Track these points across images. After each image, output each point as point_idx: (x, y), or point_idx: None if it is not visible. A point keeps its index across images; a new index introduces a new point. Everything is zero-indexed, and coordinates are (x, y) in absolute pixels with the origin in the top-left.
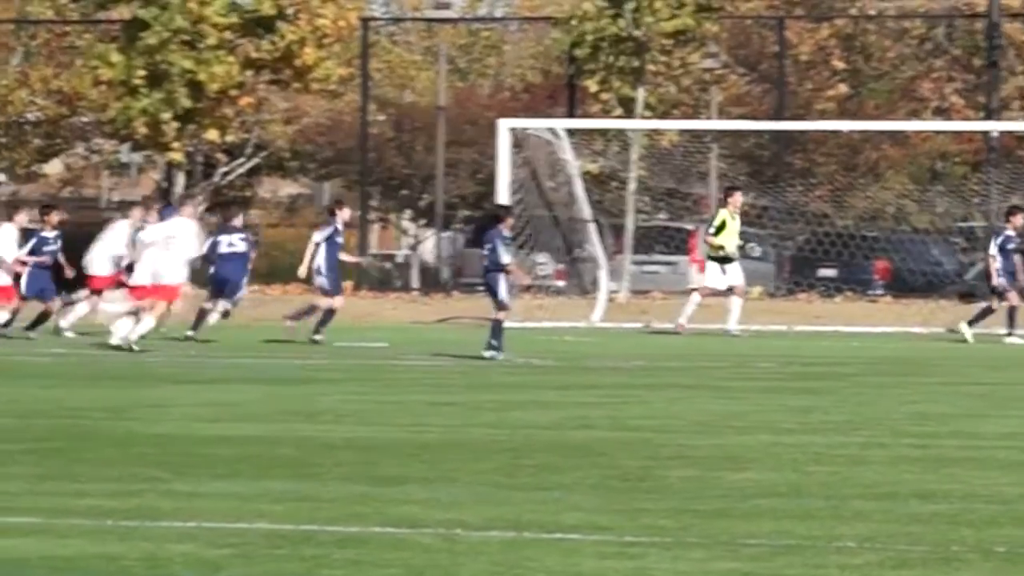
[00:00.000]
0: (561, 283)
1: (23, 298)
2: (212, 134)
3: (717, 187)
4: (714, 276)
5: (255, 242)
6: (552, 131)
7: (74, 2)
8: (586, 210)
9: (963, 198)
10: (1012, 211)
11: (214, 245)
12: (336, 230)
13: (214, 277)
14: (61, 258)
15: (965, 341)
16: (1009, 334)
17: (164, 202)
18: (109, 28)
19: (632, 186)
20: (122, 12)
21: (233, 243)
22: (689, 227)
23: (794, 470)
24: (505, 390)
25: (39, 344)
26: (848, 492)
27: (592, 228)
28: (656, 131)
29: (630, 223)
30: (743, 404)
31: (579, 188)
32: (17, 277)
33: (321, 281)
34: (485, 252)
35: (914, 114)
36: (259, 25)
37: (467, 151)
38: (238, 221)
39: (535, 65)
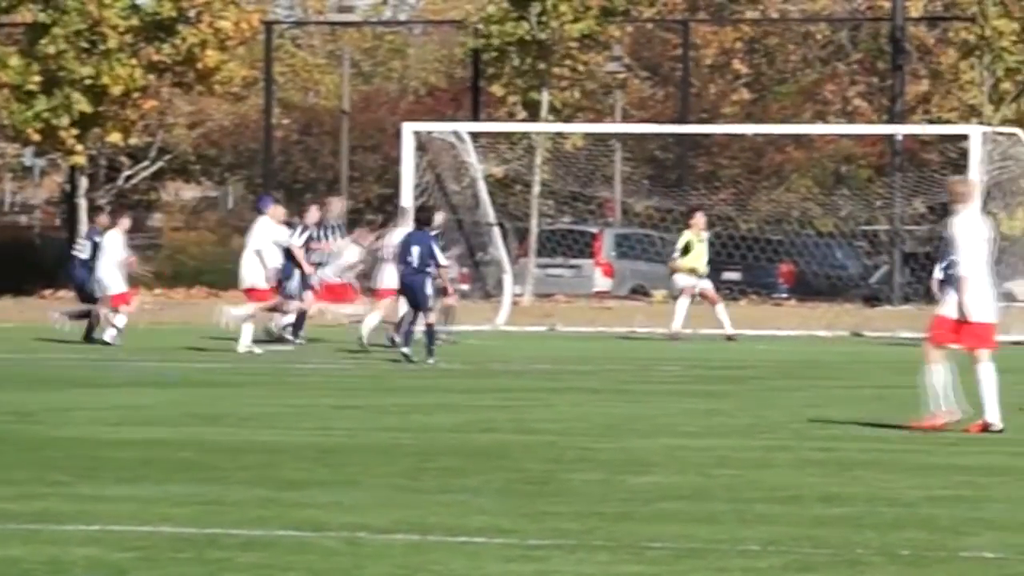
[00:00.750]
0: (465, 287)
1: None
2: (115, 137)
3: (621, 191)
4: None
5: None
6: (456, 134)
7: None
8: (490, 213)
9: (867, 201)
10: None
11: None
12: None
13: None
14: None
15: None
16: None
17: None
18: (12, 31)
19: (536, 189)
20: (24, 16)
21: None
22: (593, 230)
23: (698, 473)
24: (410, 393)
25: None
26: (752, 495)
27: (496, 231)
28: (560, 134)
29: (534, 226)
30: (647, 407)
31: (483, 191)
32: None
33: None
34: (410, 257)
35: (818, 117)
36: (160, 28)
37: (372, 155)
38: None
39: (439, 69)
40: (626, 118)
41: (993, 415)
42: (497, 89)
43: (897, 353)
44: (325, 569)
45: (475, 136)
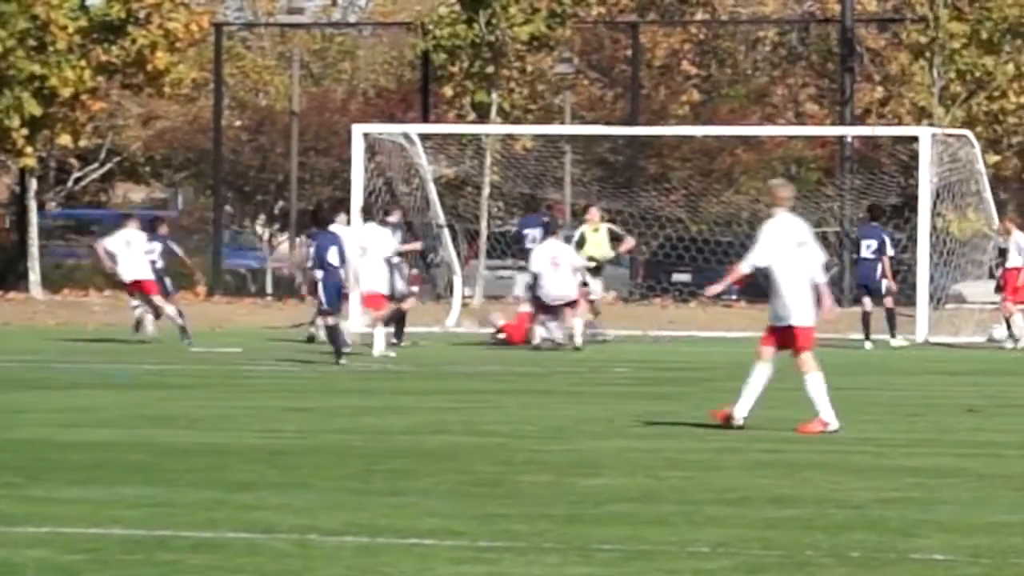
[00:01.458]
0: (415, 288)
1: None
2: (65, 139)
3: (571, 192)
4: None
5: None
6: (406, 136)
7: None
8: (440, 215)
9: (817, 203)
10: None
11: None
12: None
13: None
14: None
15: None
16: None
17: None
18: None
19: (486, 191)
20: None
21: None
22: None
23: (648, 475)
24: (359, 395)
25: None
26: (702, 497)
27: (446, 233)
28: (510, 136)
29: (484, 228)
30: (597, 409)
31: (433, 193)
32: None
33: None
34: (329, 258)
35: (768, 120)
36: (109, 30)
37: (322, 156)
38: None
39: (389, 71)
40: (576, 120)
41: (829, 415)
42: (447, 91)
43: (846, 355)
44: (275, 571)
45: (425, 138)
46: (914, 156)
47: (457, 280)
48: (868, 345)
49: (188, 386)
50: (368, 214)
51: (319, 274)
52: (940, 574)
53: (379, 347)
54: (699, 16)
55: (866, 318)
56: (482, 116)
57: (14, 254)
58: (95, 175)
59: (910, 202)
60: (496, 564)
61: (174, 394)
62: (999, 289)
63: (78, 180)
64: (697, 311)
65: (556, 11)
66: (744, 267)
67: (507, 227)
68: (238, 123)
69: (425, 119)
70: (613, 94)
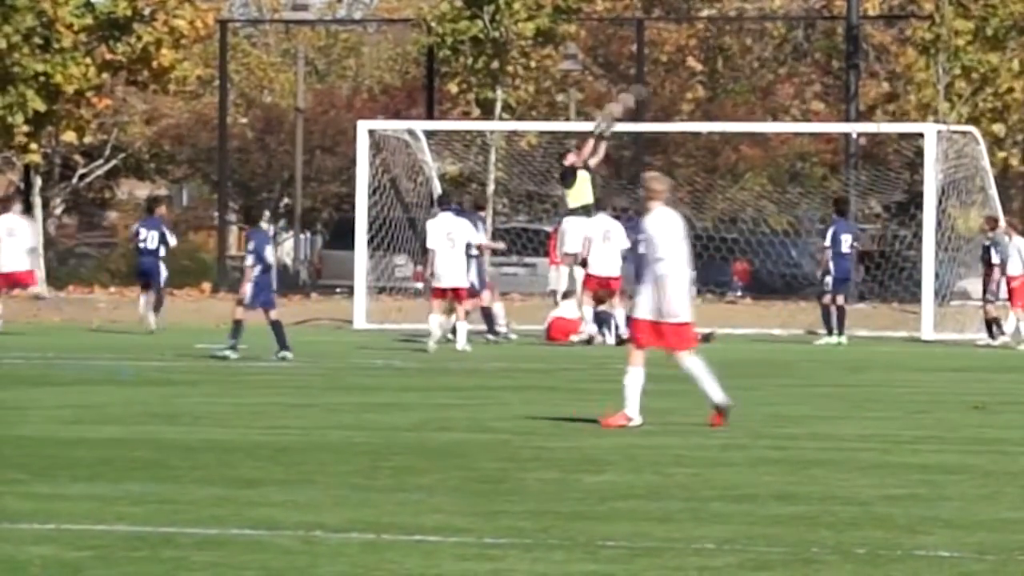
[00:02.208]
0: (420, 285)
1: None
2: (69, 136)
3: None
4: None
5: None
6: (411, 133)
7: None
8: None
9: (822, 200)
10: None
11: None
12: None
13: None
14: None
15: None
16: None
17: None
18: None
19: (491, 188)
20: None
21: None
22: (548, 229)
23: (653, 472)
24: (364, 392)
25: None
26: (707, 494)
27: None
28: (515, 132)
29: (489, 225)
30: (601, 406)
31: (438, 190)
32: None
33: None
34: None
35: (774, 116)
36: (114, 27)
37: (327, 153)
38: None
39: (394, 67)
40: (581, 116)
41: (718, 395)
42: (452, 87)
43: (851, 351)
44: (280, 568)
45: (430, 134)
46: (919, 152)
47: None
48: (844, 340)
49: (193, 383)
50: (446, 204)
51: (257, 270)
52: (946, 571)
53: (462, 341)
54: (705, 13)
55: (841, 313)
56: (487, 112)
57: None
58: (100, 172)
59: (915, 198)
60: (501, 560)
61: (179, 391)
62: (986, 291)
63: (83, 177)
64: (701, 308)
65: (561, 7)
66: (660, 271)
67: (512, 224)
68: (243, 120)
69: (430, 115)
70: (618, 90)
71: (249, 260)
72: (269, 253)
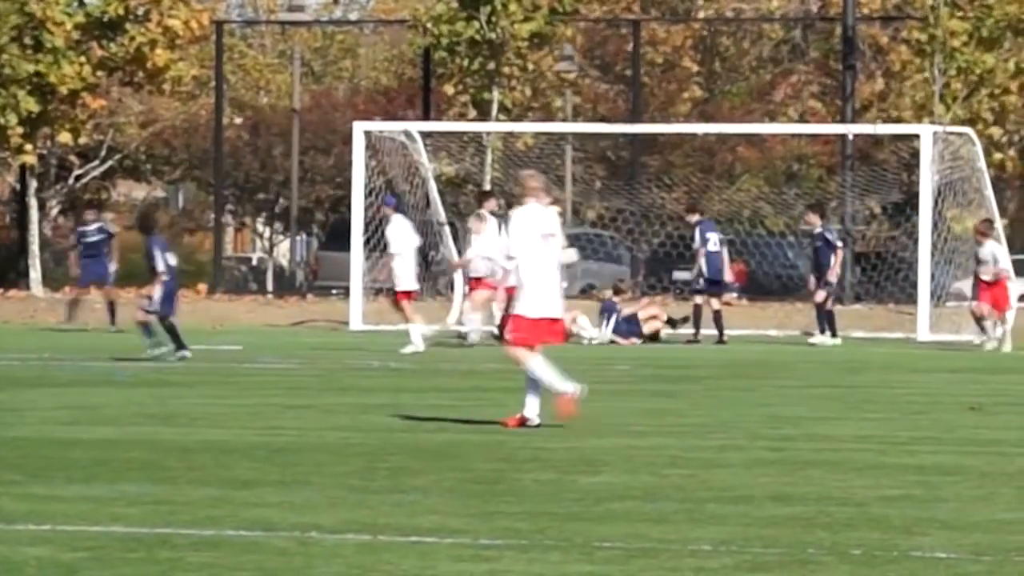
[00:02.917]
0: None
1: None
2: (65, 137)
3: (573, 190)
4: None
5: None
6: (407, 134)
7: None
8: (441, 213)
9: (819, 201)
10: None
11: None
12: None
13: None
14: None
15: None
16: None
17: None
18: None
19: (487, 189)
20: None
21: None
22: None
23: (649, 473)
24: (360, 393)
25: None
26: (703, 495)
27: (447, 231)
28: (511, 134)
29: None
30: (587, 407)
31: (434, 191)
32: None
33: None
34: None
35: (770, 117)
36: (107, 26)
37: (323, 154)
38: None
39: (390, 68)
40: (578, 117)
41: (532, 411)
42: (448, 88)
43: (848, 352)
44: (276, 569)
45: (426, 135)
46: (915, 154)
47: (458, 278)
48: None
49: (189, 384)
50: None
51: (165, 277)
52: (942, 572)
53: (474, 336)
54: (702, 13)
55: (831, 315)
56: (483, 114)
57: (15, 252)
58: (96, 172)
59: (912, 200)
60: (497, 562)
61: (175, 392)
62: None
63: (79, 178)
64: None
65: (557, 8)
66: (507, 264)
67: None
68: (239, 121)
69: (426, 117)
70: (615, 91)
71: (161, 266)
72: (171, 258)
